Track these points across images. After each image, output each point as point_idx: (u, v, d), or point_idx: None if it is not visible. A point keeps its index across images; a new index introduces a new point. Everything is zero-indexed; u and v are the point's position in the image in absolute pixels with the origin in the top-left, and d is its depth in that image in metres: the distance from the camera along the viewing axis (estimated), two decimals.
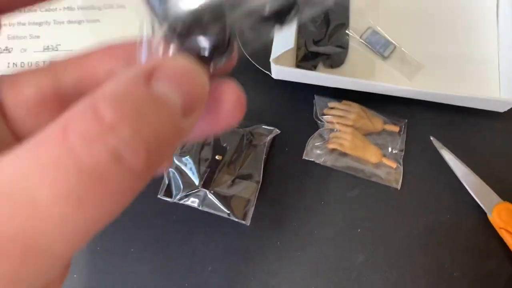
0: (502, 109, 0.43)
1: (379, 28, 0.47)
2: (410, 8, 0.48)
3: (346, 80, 0.43)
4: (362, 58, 0.46)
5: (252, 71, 0.45)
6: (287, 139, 0.45)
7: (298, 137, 0.45)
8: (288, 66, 0.44)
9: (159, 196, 0.42)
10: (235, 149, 0.44)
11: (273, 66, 0.43)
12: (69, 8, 0.48)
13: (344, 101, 0.45)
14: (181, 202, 0.42)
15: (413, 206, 0.43)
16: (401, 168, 0.43)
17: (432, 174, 0.44)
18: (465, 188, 0.42)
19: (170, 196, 0.43)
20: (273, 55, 0.43)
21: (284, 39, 0.42)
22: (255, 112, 0.45)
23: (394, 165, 0.43)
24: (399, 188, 0.43)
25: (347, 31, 0.46)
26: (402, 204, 0.43)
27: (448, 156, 0.42)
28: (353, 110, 0.44)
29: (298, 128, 0.45)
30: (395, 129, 0.45)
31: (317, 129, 0.45)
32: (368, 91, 0.44)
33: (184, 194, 0.42)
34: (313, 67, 0.45)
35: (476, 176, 0.42)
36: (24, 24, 0.47)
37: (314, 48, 0.45)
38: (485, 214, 0.41)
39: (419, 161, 0.44)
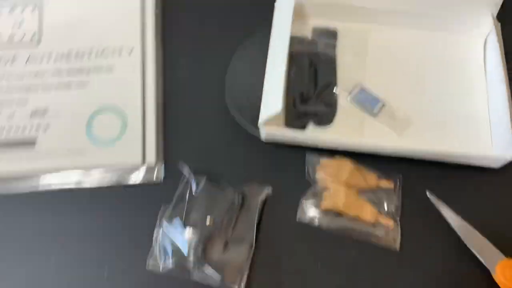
0: (496, 165, 0.42)
1: (367, 85, 0.47)
2: (397, 64, 0.48)
3: (336, 140, 0.43)
4: (351, 115, 0.46)
5: (240, 131, 0.45)
6: (279, 199, 0.43)
7: (291, 197, 0.43)
8: (277, 127, 0.44)
9: (147, 268, 0.41)
10: (226, 211, 0.42)
11: (262, 130, 0.43)
12: (58, 72, 0.48)
13: (336, 157, 0.44)
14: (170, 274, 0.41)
15: (413, 266, 0.41)
16: (399, 226, 0.42)
17: (431, 232, 0.41)
18: (466, 246, 0.40)
19: (158, 266, 0.41)
20: (261, 119, 0.42)
21: (271, 102, 0.42)
22: (245, 173, 0.45)
23: (391, 223, 0.42)
24: (398, 249, 0.41)
25: (334, 90, 0.46)
26: (401, 265, 0.41)
27: (447, 212, 0.41)
28: (345, 167, 0.44)
29: (290, 187, 0.43)
30: (390, 185, 0.43)
31: (310, 188, 0.44)
32: (359, 150, 0.43)
33: (173, 263, 0.41)
34: (303, 127, 0.45)
35: (477, 233, 0.40)
36: (11, 89, 0.47)
37: (303, 108, 0.46)
38: (488, 272, 0.39)
39: (417, 218, 0.42)
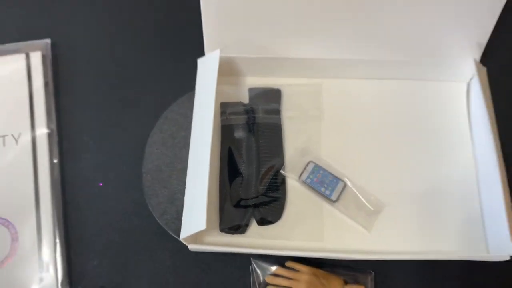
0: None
1: (324, 158, 0.37)
2: (362, 125, 0.38)
3: (283, 248, 0.33)
4: (305, 205, 0.36)
5: (163, 235, 0.36)
6: None
7: None
8: (207, 237, 0.35)
9: None
10: None
11: (187, 244, 0.33)
12: None
13: (290, 263, 0.35)
14: None
15: None
16: None
17: None
18: None
19: None
20: (182, 234, 0.33)
21: (194, 212, 0.32)
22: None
23: None
24: None
25: (282, 171, 0.36)
26: None
27: None
28: (302, 277, 0.34)
29: None
30: None
31: None
32: (317, 256, 0.34)
33: None
34: (245, 226, 0.35)
35: None
36: None
37: (243, 201, 0.35)
38: None
39: None
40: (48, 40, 0.42)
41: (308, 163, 0.37)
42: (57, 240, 0.37)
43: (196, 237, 0.34)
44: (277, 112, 0.39)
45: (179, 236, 0.34)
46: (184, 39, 0.42)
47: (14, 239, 0.37)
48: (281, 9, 0.36)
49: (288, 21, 0.36)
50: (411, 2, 0.35)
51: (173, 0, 0.44)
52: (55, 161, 0.39)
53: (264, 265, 0.36)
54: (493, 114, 0.37)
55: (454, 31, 0.36)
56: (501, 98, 0.39)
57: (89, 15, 0.45)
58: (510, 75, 0.41)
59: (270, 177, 0.37)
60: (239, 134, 0.38)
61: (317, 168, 0.37)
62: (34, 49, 0.41)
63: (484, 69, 0.39)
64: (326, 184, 0.37)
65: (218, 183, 0.36)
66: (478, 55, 0.38)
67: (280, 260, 0.36)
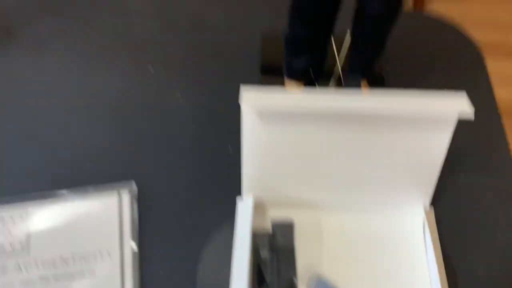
0: None
1: (325, 272, 0.53)
2: (351, 248, 0.55)
3: None
4: None
5: None
6: None
7: None
8: None
9: None
10: None
11: None
12: (45, 279, 0.53)
13: None
14: None
15: None
16: None
17: None
18: None
19: None
20: None
21: None
22: None
23: None
24: None
25: (294, 280, 0.52)
26: None
27: None
28: None
29: None
30: None
31: None
32: None
33: None
34: None
35: None
36: None
37: None
38: None
39: None
40: (132, 181, 0.60)
41: (313, 275, 0.53)
42: None
43: None
44: (291, 238, 0.55)
45: None
46: (228, 182, 0.59)
47: None
48: (297, 172, 0.55)
49: (301, 179, 0.55)
50: (373, 168, 0.53)
51: (221, 154, 0.63)
52: (137, 272, 0.54)
53: None
54: (438, 247, 0.53)
55: (407, 184, 0.54)
56: (448, 232, 0.56)
57: (161, 158, 0.63)
58: (456, 212, 0.58)
59: (287, 284, 0.52)
60: (264, 254, 0.54)
61: (320, 279, 0.53)
62: (123, 187, 0.59)
63: (432, 211, 0.56)
64: None
65: None
66: (427, 200, 0.55)
67: None
